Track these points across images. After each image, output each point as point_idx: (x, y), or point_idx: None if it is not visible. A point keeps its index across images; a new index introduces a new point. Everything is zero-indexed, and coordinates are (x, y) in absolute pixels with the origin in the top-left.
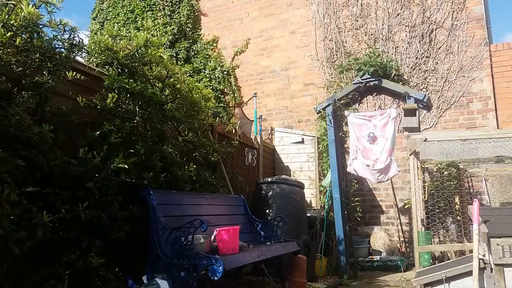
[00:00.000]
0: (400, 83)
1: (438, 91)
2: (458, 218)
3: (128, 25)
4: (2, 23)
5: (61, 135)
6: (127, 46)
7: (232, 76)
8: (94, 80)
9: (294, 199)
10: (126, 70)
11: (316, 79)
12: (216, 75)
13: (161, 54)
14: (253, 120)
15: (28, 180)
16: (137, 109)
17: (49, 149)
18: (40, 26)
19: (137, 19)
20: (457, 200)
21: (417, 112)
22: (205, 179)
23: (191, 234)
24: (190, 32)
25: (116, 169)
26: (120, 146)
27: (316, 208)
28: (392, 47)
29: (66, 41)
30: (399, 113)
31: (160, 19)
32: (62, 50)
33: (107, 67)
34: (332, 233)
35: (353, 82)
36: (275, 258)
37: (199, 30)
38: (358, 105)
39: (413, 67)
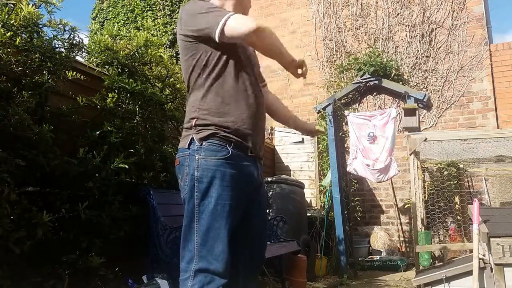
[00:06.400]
0: (400, 82)
1: (438, 90)
2: (458, 218)
3: (128, 24)
4: (2, 23)
5: (61, 135)
6: (127, 46)
7: None
8: (94, 80)
9: (294, 199)
10: (126, 70)
11: (316, 79)
12: None
13: (161, 54)
14: None
15: (28, 180)
16: (137, 109)
17: (49, 149)
18: (40, 26)
19: (137, 18)
20: (457, 200)
21: (417, 111)
22: None
23: None
24: None
25: (116, 169)
26: (120, 146)
27: (316, 208)
28: (392, 47)
29: (66, 41)
30: (399, 113)
31: (160, 18)
32: (62, 50)
33: (107, 66)
34: (332, 233)
35: (353, 82)
36: (275, 258)
37: None
38: (358, 105)
39: (413, 67)
